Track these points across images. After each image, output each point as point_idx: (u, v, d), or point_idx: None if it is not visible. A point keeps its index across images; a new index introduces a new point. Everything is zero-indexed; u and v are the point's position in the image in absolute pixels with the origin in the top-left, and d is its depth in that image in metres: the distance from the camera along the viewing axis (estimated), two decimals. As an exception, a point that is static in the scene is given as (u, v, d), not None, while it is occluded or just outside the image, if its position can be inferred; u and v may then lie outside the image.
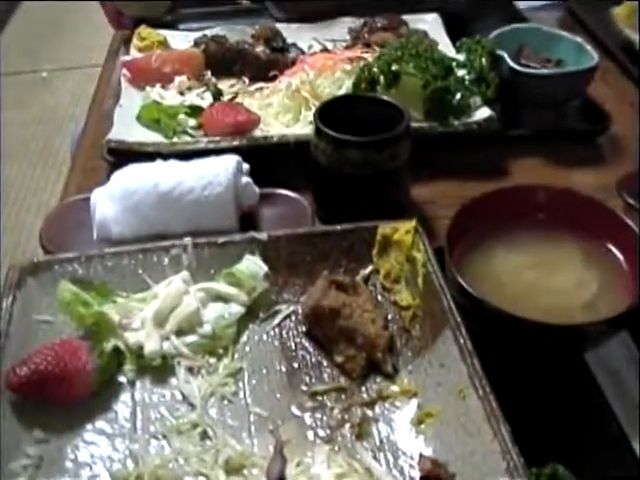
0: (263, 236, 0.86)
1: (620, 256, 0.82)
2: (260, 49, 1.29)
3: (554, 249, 0.83)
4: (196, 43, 1.32)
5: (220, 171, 0.95)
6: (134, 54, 1.28)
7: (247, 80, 1.26)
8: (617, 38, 1.37)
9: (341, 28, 1.39)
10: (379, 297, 0.84)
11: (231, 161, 0.96)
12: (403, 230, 0.85)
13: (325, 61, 1.21)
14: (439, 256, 0.81)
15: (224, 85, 1.25)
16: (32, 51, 3.61)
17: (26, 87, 3.30)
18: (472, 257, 0.82)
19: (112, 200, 0.93)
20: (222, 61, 1.28)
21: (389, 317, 0.81)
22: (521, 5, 1.49)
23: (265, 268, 0.84)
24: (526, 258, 0.83)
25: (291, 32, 1.37)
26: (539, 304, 0.77)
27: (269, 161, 1.06)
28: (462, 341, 0.71)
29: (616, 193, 0.96)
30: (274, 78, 1.24)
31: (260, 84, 1.24)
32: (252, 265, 0.84)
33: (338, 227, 0.87)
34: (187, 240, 0.85)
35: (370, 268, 0.86)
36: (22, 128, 2.99)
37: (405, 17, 1.36)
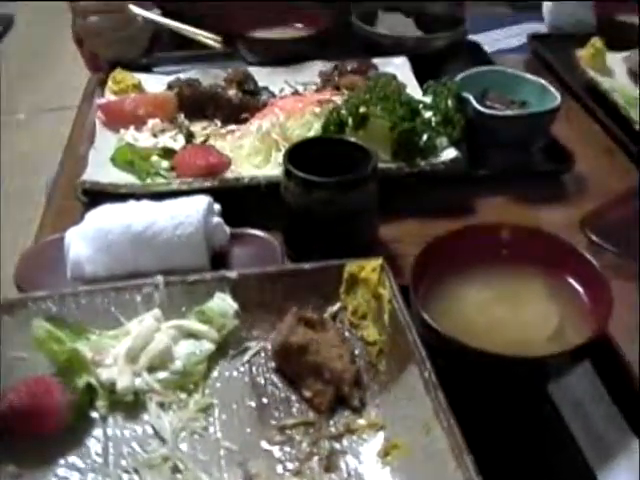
0: (233, 274, 0.88)
1: (581, 289, 0.84)
2: (232, 92, 1.31)
3: (517, 284, 0.86)
4: (170, 86, 1.34)
5: (191, 212, 0.97)
6: (109, 97, 1.30)
7: (219, 123, 1.29)
8: (581, 79, 1.41)
9: (312, 71, 1.42)
10: (346, 333, 0.86)
11: (202, 202, 0.99)
12: (369, 268, 0.87)
13: (295, 104, 1.24)
14: (405, 293, 0.83)
15: (197, 127, 1.27)
16: (9, 94, 3.63)
17: (3, 129, 3.32)
18: (437, 294, 0.85)
19: (86, 240, 0.95)
20: (195, 104, 1.31)
21: (356, 352, 0.83)
22: (488, 49, 1.54)
23: (235, 306, 0.85)
24: (490, 293, 0.85)
25: (263, 75, 1.40)
26: (503, 338, 0.79)
27: (240, 202, 1.09)
28: (427, 375, 0.73)
29: (580, 230, 0.99)
30: (245, 121, 1.27)
31: (232, 126, 1.27)
32: (222, 303, 0.86)
33: (306, 265, 0.89)
34: (159, 278, 0.86)
35: (338, 305, 0.88)
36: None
37: (375, 60, 1.39)
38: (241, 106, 1.30)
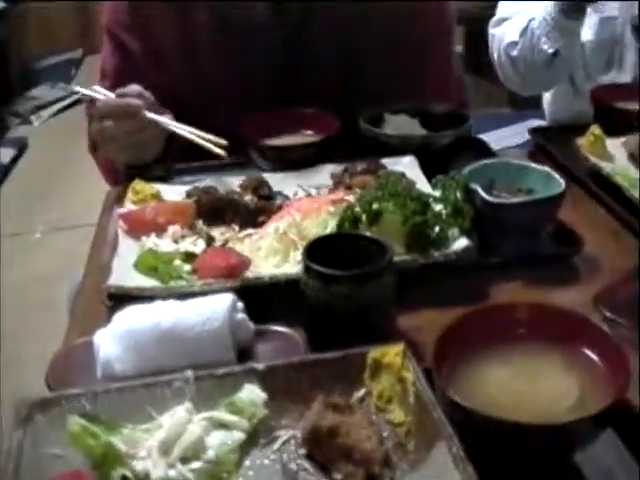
0: (260, 366, 0.91)
1: (598, 360, 0.87)
2: (248, 198, 1.36)
3: (535, 360, 0.89)
4: (188, 194, 1.39)
5: (217, 308, 1.00)
6: (129, 207, 1.35)
7: (237, 228, 1.33)
8: (583, 166, 1.46)
9: (324, 174, 1.46)
10: (373, 417, 0.88)
11: (227, 299, 1.02)
12: (392, 353, 0.90)
13: (310, 205, 1.29)
14: (428, 376, 0.85)
15: (216, 232, 1.31)
16: (25, 214, 3.73)
17: (21, 248, 3.40)
18: (459, 374, 0.87)
19: (115, 340, 0.98)
20: (213, 211, 1.35)
21: (384, 434, 0.85)
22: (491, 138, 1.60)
23: (264, 396, 0.88)
24: (509, 371, 0.88)
25: (277, 181, 1.44)
26: (526, 412, 0.81)
27: (262, 300, 1.12)
28: (455, 450, 0.75)
29: (594, 308, 1.02)
30: (262, 224, 1.31)
31: (249, 230, 1.31)
32: (251, 393, 0.88)
33: (329, 355, 0.92)
34: (189, 373, 0.89)
35: (363, 391, 0.90)
36: (18, 287, 3.06)
37: (383, 160, 1.44)
38: (257, 210, 1.34)
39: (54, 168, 4.12)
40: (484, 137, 1.68)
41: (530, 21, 1.85)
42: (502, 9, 2.01)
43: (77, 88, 1.61)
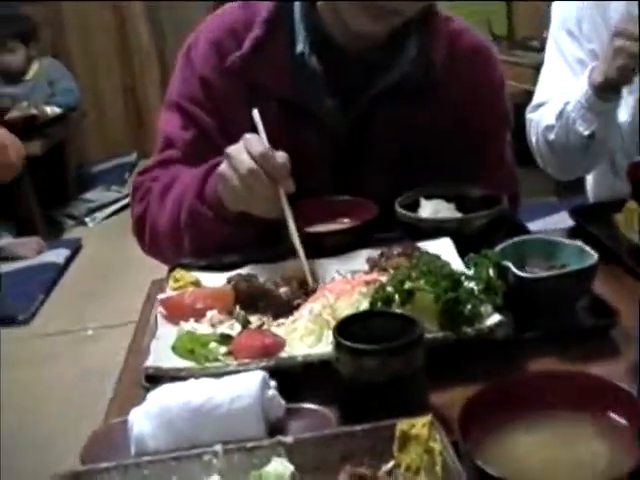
0: (289, 439, 0.92)
1: (626, 424, 0.86)
2: (283, 290, 1.37)
3: (564, 427, 0.89)
4: (229, 281, 1.41)
5: (248, 385, 1.02)
6: (169, 293, 1.38)
7: (271, 317, 1.34)
8: (621, 242, 1.47)
9: (360, 259, 1.47)
10: (401, 489, 0.88)
11: (257, 376, 1.04)
12: (420, 425, 0.90)
13: (344, 286, 1.30)
14: (456, 448, 0.86)
15: (253, 318, 1.33)
16: (78, 311, 3.80)
17: (73, 345, 3.46)
18: (487, 443, 0.87)
19: (148, 417, 1.00)
20: (249, 298, 1.36)
21: (411, 506, 0.85)
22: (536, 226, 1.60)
23: (291, 468, 0.88)
24: (538, 438, 0.88)
25: (315, 267, 1.46)
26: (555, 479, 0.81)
27: (295, 379, 1.13)
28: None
29: (629, 380, 1.01)
30: (298, 307, 1.33)
31: (283, 320, 1.31)
32: (279, 466, 0.89)
33: (359, 427, 0.92)
34: (217, 446, 0.90)
35: (392, 463, 0.90)
36: (67, 384, 3.11)
37: (420, 244, 1.46)
38: (289, 303, 1.35)
39: (107, 268, 4.23)
40: (530, 226, 1.69)
41: (565, 104, 1.87)
42: (539, 94, 2.04)
43: None
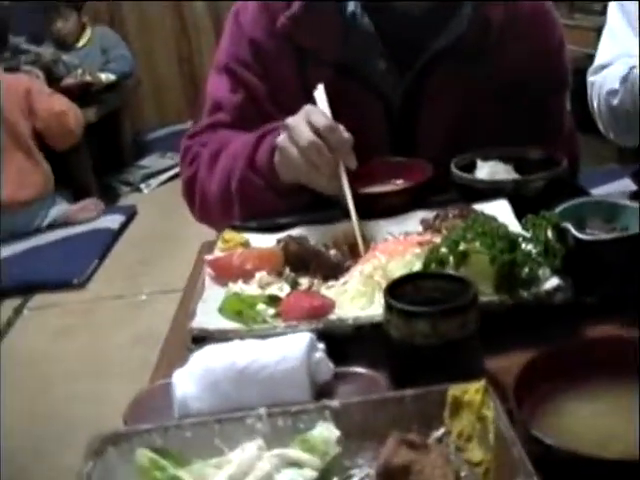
0: (335, 404, 0.88)
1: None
2: (332, 253, 1.33)
3: (623, 396, 0.83)
4: (279, 242, 1.38)
5: (294, 347, 0.98)
6: (217, 254, 1.35)
7: (321, 280, 1.30)
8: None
9: (414, 221, 1.43)
10: (452, 456, 0.83)
11: (304, 338, 1.00)
12: (473, 390, 0.86)
13: (396, 247, 1.26)
14: (510, 416, 0.81)
15: (302, 280, 1.29)
16: (132, 277, 3.82)
17: (126, 309, 3.48)
18: (543, 410, 0.83)
19: (191, 379, 0.97)
20: (299, 260, 1.33)
21: (462, 474, 0.81)
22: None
23: (337, 433, 0.85)
24: (596, 407, 0.83)
25: (367, 229, 1.42)
26: (613, 450, 0.76)
27: (344, 342, 1.10)
28: (534, 488, 0.71)
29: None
30: (349, 268, 1.29)
31: (332, 282, 1.28)
32: (325, 431, 0.85)
33: (408, 392, 0.88)
34: (261, 410, 0.87)
35: (442, 430, 0.86)
36: (122, 349, 3.13)
37: (475, 206, 1.41)
38: (339, 265, 1.31)
39: (161, 234, 4.23)
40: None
41: (631, 69, 1.79)
42: (601, 55, 1.96)
43: None
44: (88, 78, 5.02)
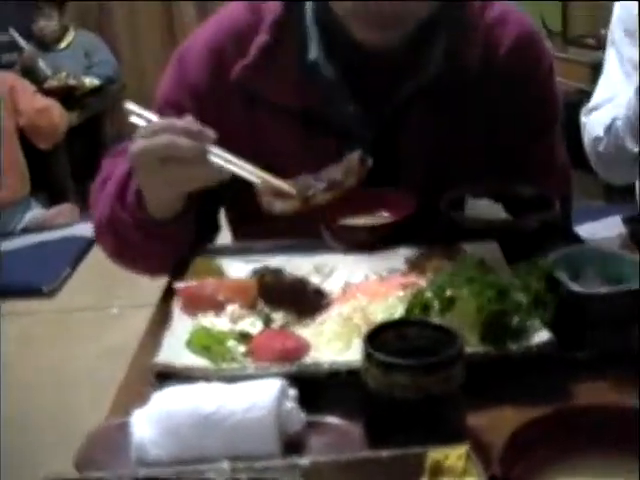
0: (305, 462, 0.81)
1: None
2: (311, 288, 1.27)
3: (618, 470, 0.77)
4: (255, 272, 1.31)
5: (263, 395, 0.92)
6: (189, 281, 1.28)
7: (296, 316, 1.23)
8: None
9: (397, 258, 1.37)
10: (429, 529, 0.77)
11: (275, 385, 0.94)
12: (454, 456, 0.80)
13: (378, 288, 1.20)
14: (494, 484, 0.75)
15: (277, 316, 1.22)
16: (104, 288, 3.74)
17: (96, 322, 3.40)
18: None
19: (151, 422, 0.90)
20: (275, 294, 1.26)
21: None
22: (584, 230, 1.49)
23: (305, 496, 0.78)
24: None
25: (348, 263, 1.36)
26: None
27: (318, 389, 1.03)
28: None
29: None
30: (327, 306, 1.22)
31: (309, 321, 1.20)
32: (292, 493, 0.78)
33: (384, 454, 0.82)
34: (224, 464, 0.80)
35: (420, 497, 0.80)
36: (88, 361, 3.05)
37: (464, 246, 1.35)
38: (316, 304, 1.24)
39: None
40: (577, 229, 1.58)
41: (614, 120, 1.83)
42: (595, 97, 1.96)
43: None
44: (72, 82, 4.96)
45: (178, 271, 1.38)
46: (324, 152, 1.45)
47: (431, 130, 1.49)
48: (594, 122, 1.91)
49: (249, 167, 1.31)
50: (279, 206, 1.31)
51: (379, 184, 1.49)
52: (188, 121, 1.26)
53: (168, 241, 1.38)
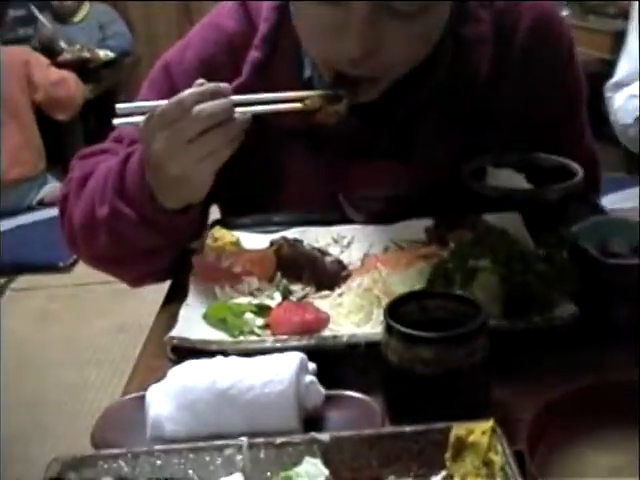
0: (325, 437, 0.79)
1: None
2: (330, 259, 1.24)
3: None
4: (272, 243, 1.29)
5: (282, 369, 0.89)
6: (206, 254, 1.25)
7: (314, 288, 1.21)
8: None
9: (418, 228, 1.34)
10: (453, 505, 0.75)
11: (294, 359, 0.91)
12: (479, 431, 0.77)
13: (398, 259, 1.17)
14: (520, 460, 0.73)
15: (295, 287, 1.20)
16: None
17: (112, 296, 3.38)
18: (556, 460, 0.75)
19: (168, 397, 0.88)
20: (292, 265, 1.24)
21: (464, 527, 0.72)
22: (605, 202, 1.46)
23: (326, 472, 0.76)
24: (617, 459, 0.74)
25: (367, 234, 1.33)
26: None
27: (338, 362, 1.01)
28: None
29: None
30: (347, 278, 1.20)
31: (326, 292, 1.18)
32: (312, 468, 0.76)
33: (407, 429, 0.80)
34: (242, 440, 0.78)
35: (443, 474, 0.77)
36: (105, 336, 3.04)
37: (485, 216, 1.32)
38: (335, 276, 1.22)
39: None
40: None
41: None
42: (619, 71, 1.92)
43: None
44: (86, 54, 4.93)
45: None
46: (331, 169, 1.40)
47: (445, 135, 1.42)
48: (623, 109, 1.90)
49: (270, 97, 1.22)
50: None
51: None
52: (198, 84, 1.17)
53: (174, 236, 1.29)
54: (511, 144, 1.44)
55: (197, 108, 1.13)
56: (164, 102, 1.16)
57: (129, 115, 1.22)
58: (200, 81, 1.17)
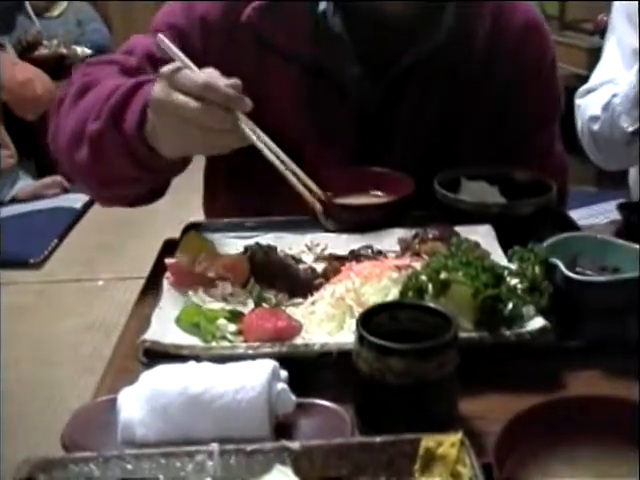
0: (295, 446, 0.80)
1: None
2: (303, 267, 1.25)
3: (613, 464, 0.76)
4: (246, 249, 1.29)
5: (254, 376, 0.90)
6: (179, 257, 1.26)
7: (287, 295, 1.22)
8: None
9: (391, 238, 1.35)
10: (420, 517, 0.76)
11: (267, 366, 0.92)
12: (448, 443, 0.78)
13: (372, 269, 1.18)
14: (488, 472, 0.74)
15: (268, 294, 1.21)
16: (91, 260, 3.71)
17: (81, 294, 3.37)
18: (523, 472, 0.76)
19: (139, 401, 0.88)
20: (265, 272, 1.25)
21: (431, 539, 0.73)
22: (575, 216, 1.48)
23: (296, 480, 0.77)
24: (583, 472, 0.75)
25: (340, 243, 1.34)
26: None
27: (309, 370, 1.02)
28: None
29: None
30: (319, 286, 1.20)
31: (299, 300, 1.19)
32: (282, 476, 0.77)
33: (377, 439, 0.80)
34: (214, 446, 0.79)
35: (411, 484, 0.78)
36: (73, 334, 3.03)
37: (457, 228, 1.33)
38: (308, 284, 1.23)
39: (126, 218, 4.10)
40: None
41: (613, 97, 1.79)
42: (591, 80, 1.94)
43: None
44: (63, 50, 4.88)
45: (169, 246, 1.37)
46: (324, 104, 1.46)
47: (429, 102, 1.49)
48: (590, 102, 1.89)
49: (274, 146, 1.28)
50: None
51: (374, 151, 1.49)
52: (233, 84, 1.18)
53: (155, 172, 1.32)
54: (483, 145, 1.50)
55: (205, 109, 1.16)
56: (195, 69, 1.20)
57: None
58: (235, 80, 1.19)
